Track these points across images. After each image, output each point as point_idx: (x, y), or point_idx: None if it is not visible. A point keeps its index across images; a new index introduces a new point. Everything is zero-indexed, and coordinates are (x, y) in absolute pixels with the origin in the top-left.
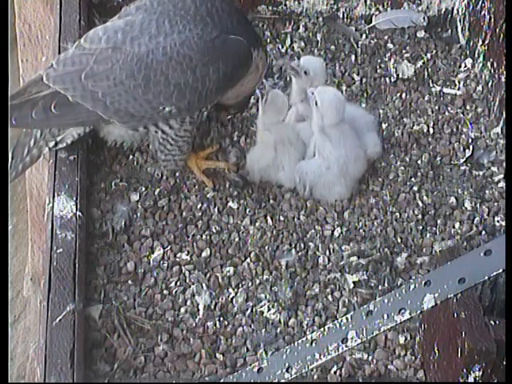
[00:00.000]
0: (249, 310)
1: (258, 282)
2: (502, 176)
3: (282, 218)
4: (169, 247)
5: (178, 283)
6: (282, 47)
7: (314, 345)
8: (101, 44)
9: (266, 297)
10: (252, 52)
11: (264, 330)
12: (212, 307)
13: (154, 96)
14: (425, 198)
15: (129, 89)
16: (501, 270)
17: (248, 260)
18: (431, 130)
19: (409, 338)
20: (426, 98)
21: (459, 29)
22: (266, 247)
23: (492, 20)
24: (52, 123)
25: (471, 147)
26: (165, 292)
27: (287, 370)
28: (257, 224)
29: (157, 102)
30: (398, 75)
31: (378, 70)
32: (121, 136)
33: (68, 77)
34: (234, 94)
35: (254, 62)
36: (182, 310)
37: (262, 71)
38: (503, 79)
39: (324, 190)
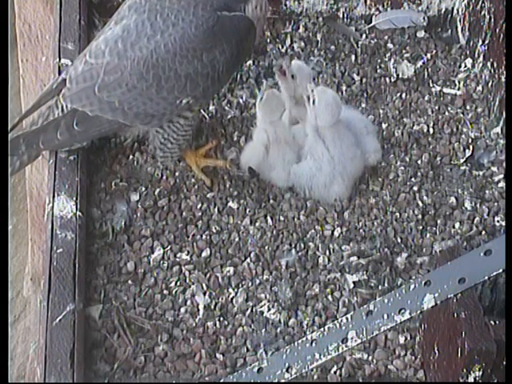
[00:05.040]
0: (249, 310)
1: (257, 282)
2: (502, 176)
3: (282, 218)
4: (169, 247)
5: (178, 283)
6: (282, 47)
7: (313, 345)
8: (105, 57)
9: (266, 297)
10: (247, 10)
11: (264, 330)
12: (212, 307)
13: (168, 92)
14: (425, 197)
15: (142, 91)
16: (501, 270)
17: (248, 260)
18: (431, 130)
19: (409, 337)
20: (426, 98)
21: (459, 29)
22: (266, 247)
23: (492, 20)
24: (78, 139)
25: (471, 147)
26: (165, 292)
27: (287, 370)
28: (257, 224)
29: (172, 96)
30: (398, 75)
31: (378, 70)
32: (135, 130)
33: (83, 93)
34: None
35: (252, 17)
36: (182, 310)
37: (263, 17)
38: (503, 79)
39: (320, 190)
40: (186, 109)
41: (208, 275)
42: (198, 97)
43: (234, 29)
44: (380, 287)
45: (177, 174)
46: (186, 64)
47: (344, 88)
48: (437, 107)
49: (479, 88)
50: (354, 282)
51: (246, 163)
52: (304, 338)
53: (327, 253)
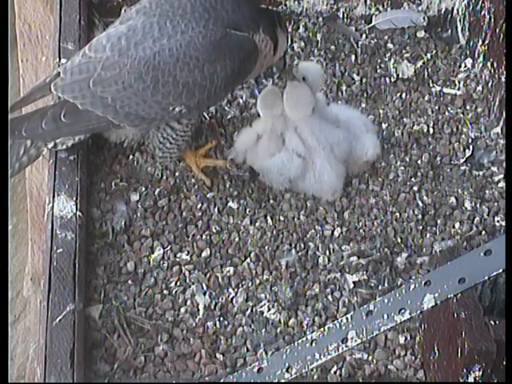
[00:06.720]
0: (249, 310)
1: (258, 281)
2: (502, 176)
3: (282, 218)
4: (169, 247)
5: (178, 283)
6: None
7: (313, 345)
8: (106, 52)
9: (266, 297)
10: (255, 37)
11: (264, 330)
12: (212, 307)
13: (164, 97)
14: (425, 197)
15: (138, 91)
16: (501, 270)
17: (248, 260)
18: (431, 130)
19: (409, 337)
20: (426, 98)
21: (459, 29)
22: (266, 247)
23: (492, 20)
24: (62, 132)
25: (471, 147)
26: (165, 292)
27: (287, 370)
28: (257, 224)
29: (166, 102)
30: (398, 75)
31: (378, 70)
32: (124, 134)
33: (76, 85)
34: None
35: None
36: (182, 310)
37: (264, 56)
38: (503, 79)
39: (311, 182)
40: (176, 118)
41: (208, 275)
42: (192, 107)
43: (239, 46)
44: (380, 287)
45: (177, 173)
46: (187, 72)
47: (344, 88)
48: (437, 107)
49: (479, 88)
50: (354, 282)
51: (237, 147)
52: (304, 338)
53: (327, 253)
